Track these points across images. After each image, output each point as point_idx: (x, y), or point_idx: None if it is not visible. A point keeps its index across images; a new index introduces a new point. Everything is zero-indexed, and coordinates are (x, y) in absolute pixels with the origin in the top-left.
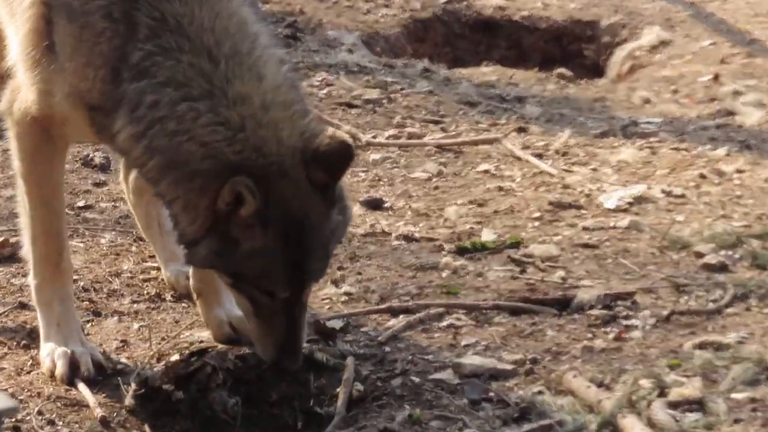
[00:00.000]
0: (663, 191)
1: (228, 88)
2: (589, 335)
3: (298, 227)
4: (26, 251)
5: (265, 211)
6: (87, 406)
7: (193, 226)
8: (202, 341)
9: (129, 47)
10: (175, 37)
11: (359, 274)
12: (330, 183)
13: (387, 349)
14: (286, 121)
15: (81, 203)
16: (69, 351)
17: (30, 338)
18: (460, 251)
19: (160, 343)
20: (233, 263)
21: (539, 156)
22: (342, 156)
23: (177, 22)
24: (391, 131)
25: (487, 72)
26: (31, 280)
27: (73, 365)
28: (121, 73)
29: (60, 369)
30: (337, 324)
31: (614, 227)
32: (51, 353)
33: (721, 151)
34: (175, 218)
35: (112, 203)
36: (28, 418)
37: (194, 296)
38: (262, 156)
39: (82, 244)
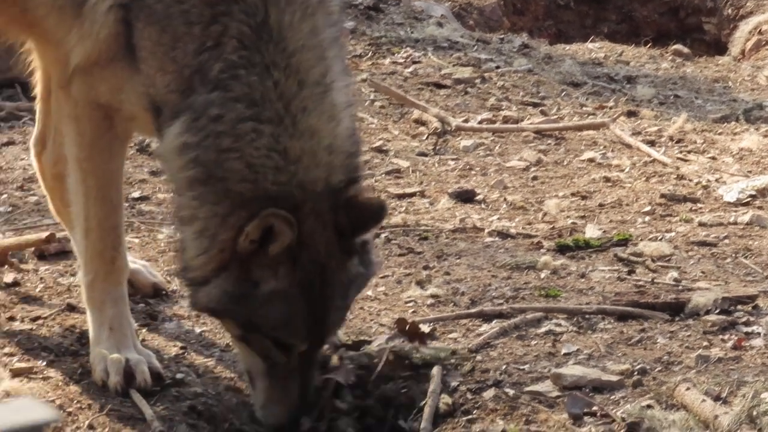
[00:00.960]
0: None
1: (300, 117)
2: (705, 343)
3: (321, 271)
4: (77, 246)
5: (296, 250)
6: (143, 419)
7: (203, 259)
8: None
9: (208, 56)
10: (269, 50)
11: (447, 274)
12: (350, 234)
13: (478, 357)
14: (341, 168)
15: (136, 194)
16: (123, 358)
17: (79, 344)
18: (561, 249)
19: (224, 351)
20: (249, 309)
21: (651, 143)
22: (374, 214)
23: (279, 32)
24: (485, 114)
25: (594, 48)
26: (81, 279)
27: (128, 374)
28: (193, 83)
29: (113, 378)
30: (423, 329)
31: (735, 223)
32: (103, 361)
33: None
34: (182, 246)
35: (171, 194)
36: None
37: None
38: (303, 192)
39: (137, 240)
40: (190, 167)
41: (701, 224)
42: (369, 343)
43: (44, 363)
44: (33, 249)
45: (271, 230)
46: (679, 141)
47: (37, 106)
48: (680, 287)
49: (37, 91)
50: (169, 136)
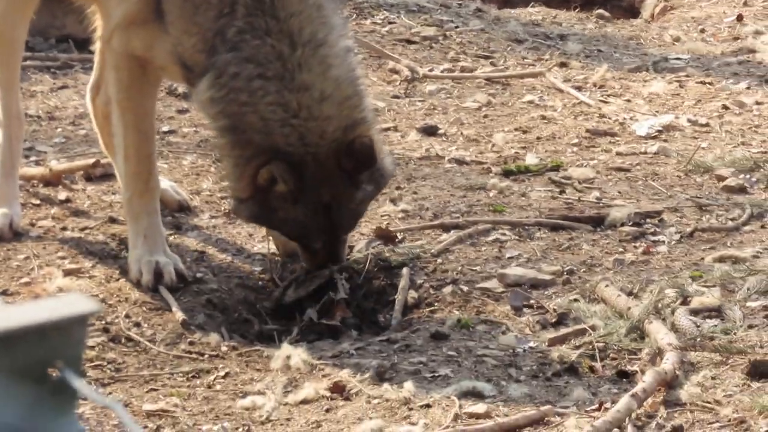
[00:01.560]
0: (689, 120)
1: (296, 74)
2: (620, 249)
3: (326, 207)
4: (119, 170)
5: (296, 192)
6: (169, 310)
7: (238, 185)
8: (273, 252)
9: (225, 22)
10: (266, 18)
11: (415, 193)
12: (355, 173)
13: (439, 260)
14: (336, 117)
15: (165, 128)
16: (154, 260)
17: (119, 249)
18: (506, 173)
19: (235, 255)
20: (272, 225)
21: (578, 88)
22: (367, 157)
23: (271, 3)
24: (446, 65)
25: (534, 12)
26: (122, 196)
27: (158, 273)
28: (215, 45)
29: (146, 276)
30: (394, 234)
31: (645, 152)
32: (138, 262)
33: (743, 85)
34: (224, 173)
35: (194, 128)
36: (117, 320)
37: None
38: (304, 144)
39: (166, 165)
40: (219, 118)
41: (618, 153)
42: (352, 247)
43: (90, 264)
44: (82, 172)
45: (275, 178)
46: (601, 87)
47: (96, 57)
48: (601, 204)
49: (96, 46)
50: (200, 90)
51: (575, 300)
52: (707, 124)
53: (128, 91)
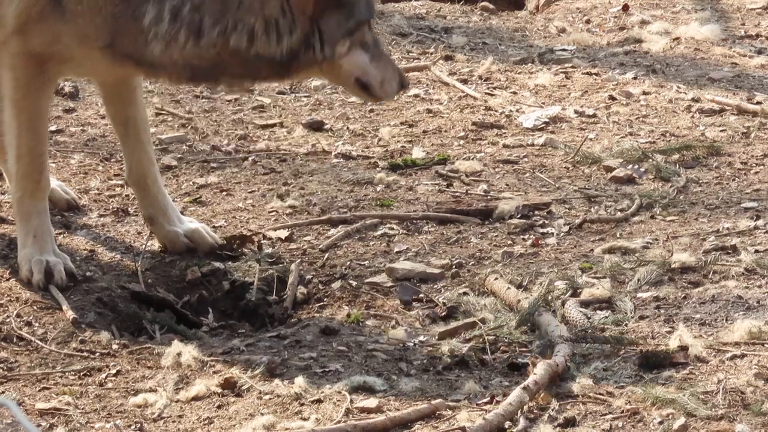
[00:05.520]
0: (576, 111)
1: None
2: (509, 242)
3: None
4: (10, 169)
5: None
6: (60, 309)
7: (287, 36)
8: (163, 250)
9: None
10: None
11: (302, 189)
12: None
13: (327, 255)
14: None
15: (53, 128)
16: (44, 260)
17: (9, 249)
18: (393, 167)
19: (124, 253)
20: None
21: (464, 81)
22: None
23: None
24: None
25: (418, 5)
26: (12, 195)
27: (48, 273)
28: None
29: (36, 276)
30: (282, 234)
31: (532, 144)
32: (28, 262)
33: (629, 75)
34: (260, 42)
35: (81, 128)
36: (8, 320)
37: (147, 224)
38: None
39: (54, 164)
40: (197, 20)
41: (505, 146)
42: (241, 240)
43: None
44: None
45: None
46: (486, 79)
47: None
48: (489, 197)
49: None
50: (150, 26)
51: (464, 293)
52: (594, 115)
53: (26, 89)
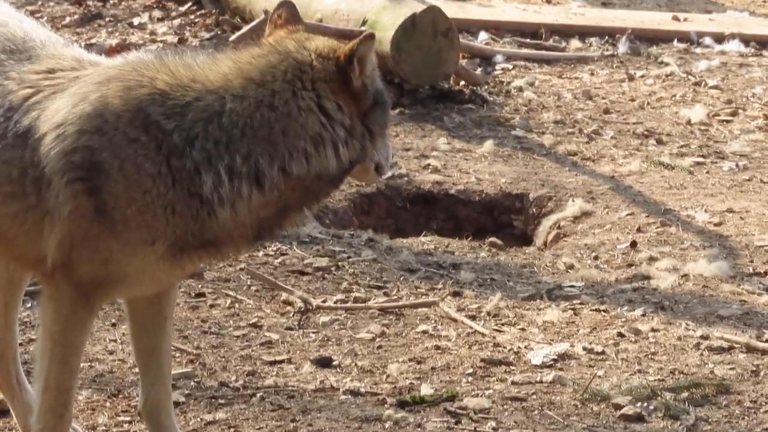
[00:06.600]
0: (584, 348)
1: None
2: None
3: None
4: (35, 398)
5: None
6: None
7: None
8: None
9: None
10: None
11: (310, 425)
12: None
13: None
14: None
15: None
16: None
17: None
18: (401, 404)
19: None
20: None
21: (473, 317)
22: None
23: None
24: (339, 296)
25: (426, 241)
26: (33, 425)
27: None
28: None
29: None
30: None
31: (540, 381)
32: None
33: (638, 312)
34: (316, 157)
35: (89, 363)
36: None
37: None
38: None
39: None
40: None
41: (513, 383)
42: None
43: None
44: None
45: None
46: (495, 315)
47: None
48: None
49: None
50: (212, 189)
51: None
52: (603, 352)
53: (65, 323)
